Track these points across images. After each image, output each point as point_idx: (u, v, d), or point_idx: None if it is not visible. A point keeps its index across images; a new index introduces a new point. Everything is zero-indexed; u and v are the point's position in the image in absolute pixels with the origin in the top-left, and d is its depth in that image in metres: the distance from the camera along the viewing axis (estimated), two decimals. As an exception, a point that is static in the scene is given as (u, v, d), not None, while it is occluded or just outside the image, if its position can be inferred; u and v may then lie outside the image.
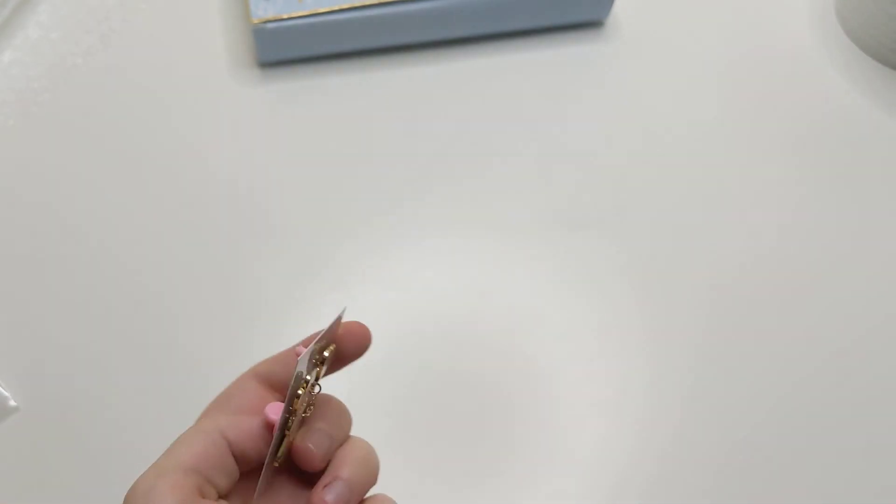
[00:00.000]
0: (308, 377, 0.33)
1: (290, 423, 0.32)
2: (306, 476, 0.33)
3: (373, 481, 0.33)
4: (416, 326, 0.53)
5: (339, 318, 0.34)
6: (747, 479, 0.49)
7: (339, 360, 0.35)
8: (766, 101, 0.63)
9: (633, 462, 0.50)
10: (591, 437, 0.50)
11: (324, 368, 0.34)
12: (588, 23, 0.65)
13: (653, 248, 0.56)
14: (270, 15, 0.58)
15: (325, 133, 0.60)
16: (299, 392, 0.32)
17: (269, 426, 0.32)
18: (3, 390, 0.50)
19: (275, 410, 0.32)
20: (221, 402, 0.34)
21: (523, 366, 0.52)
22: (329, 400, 0.34)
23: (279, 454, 0.32)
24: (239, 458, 0.32)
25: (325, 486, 0.31)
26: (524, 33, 0.64)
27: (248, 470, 0.32)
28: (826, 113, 0.63)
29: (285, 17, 0.58)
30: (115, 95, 0.60)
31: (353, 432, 0.34)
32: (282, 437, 0.32)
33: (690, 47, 0.65)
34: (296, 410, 0.32)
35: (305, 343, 0.35)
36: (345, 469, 0.32)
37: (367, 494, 0.33)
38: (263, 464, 0.32)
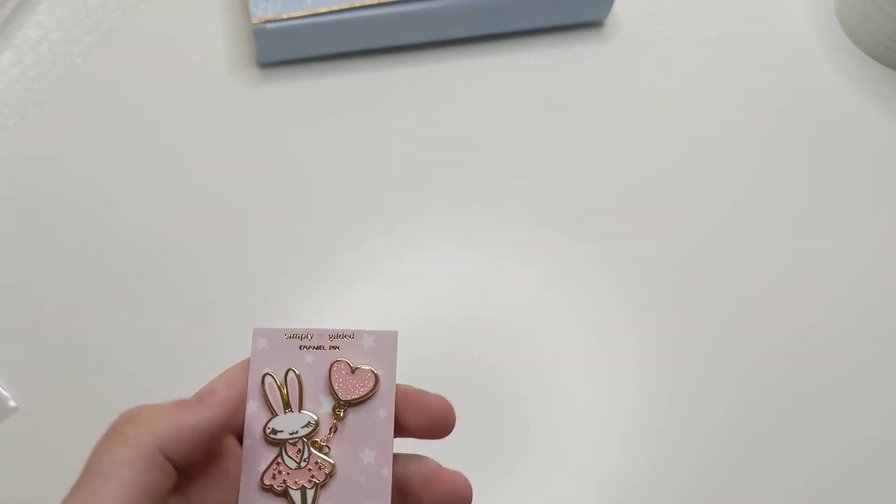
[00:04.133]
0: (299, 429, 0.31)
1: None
2: None
3: None
4: (415, 326, 0.53)
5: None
6: (753, 476, 0.50)
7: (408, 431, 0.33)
8: (766, 101, 0.63)
9: (630, 461, 0.50)
10: (592, 435, 0.50)
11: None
12: (588, 23, 0.65)
13: (651, 247, 0.56)
14: (270, 15, 0.58)
15: (324, 133, 0.60)
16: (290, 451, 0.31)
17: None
18: (3, 390, 0.50)
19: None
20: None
21: (524, 365, 0.52)
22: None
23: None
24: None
25: None
26: (524, 33, 0.64)
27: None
28: (826, 113, 0.62)
29: (285, 17, 0.58)
30: (114, 96, 0.60)
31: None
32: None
33: (690, 47, 0.65)
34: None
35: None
36: None
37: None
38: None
